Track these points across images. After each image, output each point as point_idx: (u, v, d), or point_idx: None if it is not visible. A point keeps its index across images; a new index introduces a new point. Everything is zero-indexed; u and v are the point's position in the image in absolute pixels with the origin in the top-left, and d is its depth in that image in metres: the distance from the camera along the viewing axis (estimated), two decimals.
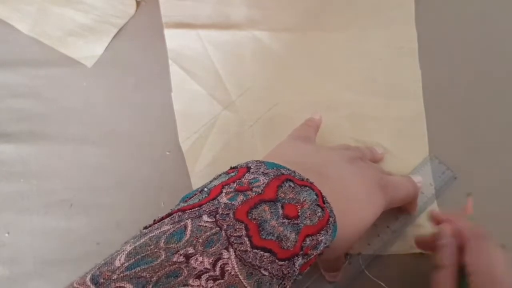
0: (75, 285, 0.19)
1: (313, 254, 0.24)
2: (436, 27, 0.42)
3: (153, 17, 0.43)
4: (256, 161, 0.26)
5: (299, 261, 0.22)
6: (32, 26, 0.43)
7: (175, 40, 0.42)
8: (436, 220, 0.32)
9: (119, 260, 0.20)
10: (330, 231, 0.24)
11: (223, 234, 0.21)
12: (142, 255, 0.20)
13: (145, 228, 0.23)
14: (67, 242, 0.38)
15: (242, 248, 0.21)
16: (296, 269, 0.22)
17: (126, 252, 0.20)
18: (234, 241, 0.21)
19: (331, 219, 0.24)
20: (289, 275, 0.22)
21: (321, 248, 0.24)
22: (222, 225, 0.21)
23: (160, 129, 0.41)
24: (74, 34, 0.43)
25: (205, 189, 0.24)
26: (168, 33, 0.42)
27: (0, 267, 0.38)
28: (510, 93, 0.41)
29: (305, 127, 0.36)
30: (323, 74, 0.42)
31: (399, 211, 0.36)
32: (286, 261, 0.22)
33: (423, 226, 0.37)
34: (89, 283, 0.18)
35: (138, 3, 0.44)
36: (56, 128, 0.41)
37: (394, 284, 0.36)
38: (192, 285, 0.19)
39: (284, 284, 0.22)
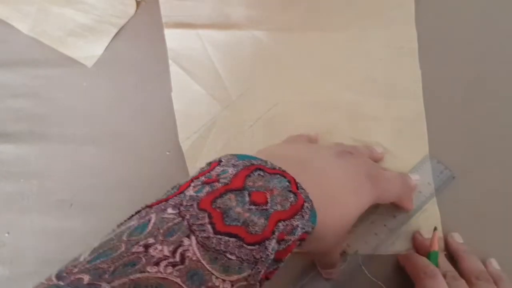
0: (43, 281, 0.20)
1: (290, 239, 0.23)
2: (436, 27, 0.42)
3: (153, 17, 0.43)
4: (230, 154, 0.26)
5: (272, 245, 0.22)
6: (32, 26, 0.43)
7: (175, 40, 0.42)
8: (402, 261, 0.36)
9: (84, 256, 0.20)
10: (307, 216, 0.24)
11: (185, 223, 0.21)
12: (104, 249, 0.20)
13: (118, 226, 0.23)
14: (67, 242, 0.38)
15: (204, 235, 0.21)
16: (269, 253, 0.22)
17: (92, 249, 0.21)
18: (196, 229, 0.21)
19: (306, 204, 0.24)
20: (262, 259, 0.22)
21: (299, 234, 0.24)
22: (185, 215, 0.21)
23: (160, 129, 0.41)
24: (74, 34, 0.43)
25: (177, 185, 0.24)
26: (168, 33, 0.42)
27: (0, 267, 0.38)
28: (510, 93, 0.41)
29: (299, 135, 0.37)
30: (323, 74, 0.42)
31: (396, 209, 0.37)
32: (257, 246, 0.22)
33: (421, 227, 0.37)
34: (53, 278, 0.19)
35: (138, 3, 0.44)
36: (56, 128, 0.41)
37: (392, 283, 0.36)
38: (149, 272, 0.19)
39: (258, 268, 0.22)
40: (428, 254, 0.35)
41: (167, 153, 0.40)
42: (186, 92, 0.41)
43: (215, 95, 0.41)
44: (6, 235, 0.39)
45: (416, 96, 0.40)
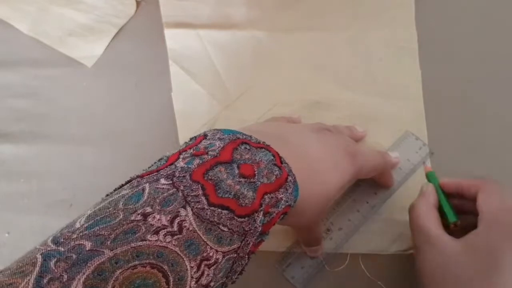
0: (37, 246, 0.19)
1: (274, 212, 0.24)
2: (436, 27, 0.42)
3: (153, 17, 0.43)
4: (214, 129, 0.27)
5: (260, 217, 0.23)
6: (32, 26, 0.43)
7: (175, 40, 0.42)
8: (446, 187, 0.33)
9: (79, 222, 0.20)
10: (291, 189, 0.25)
11: (180, 194, 0.21)
12: (101, 216, 0.20)
13: (107, 195, 0.23)
14: None
15: (199, 206, 0.21)
16: (258, 226, 0.23)
17: (86, 215, 0.21)
18: (191, 200, 0.21)
19: (290, 177, 0.25)
20: (251, 231, 0.23)
21: (283, 207, 0.24)
22: (179, 186, 0.22)
23: (160, 129, 0.41)
24: (74, 34, 0.43)
25: (164, 157, 0.25)
26: (168, 33, 0.42)
27: (0, 267, 0.38)
28: (510, 93, 0.41)
29: (280, 116, 0.38)
30: (323, 74, 0.42)
31: (377, 186, 0.37)
32: (246, 218, 0.22)
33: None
34: (50, 243, 0.19)
35: (138, 3, 0.44)
36: (56, 128, 0.41)
37: (392, 283, 0.36)
38: (150, 240, 0.19)
39: (247, 240, 0.23)
40: (426, 175, 0.35)
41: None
42: (186, 92, 0.41)
43: (215, 95, 0.41)
44: (6, 235, 0.39)
45: (416, 96, 0.40)
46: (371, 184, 0.37)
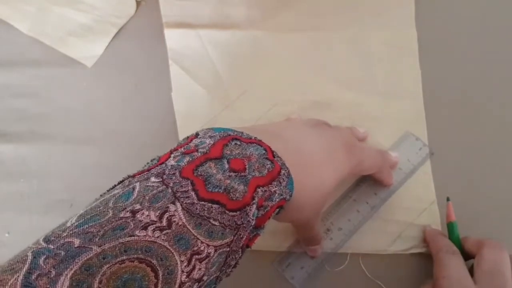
0: (30, 245, 0.20)
1: (268, 205, 0.24)
2: (436, 27, 0.42)
3: (153, 17, 0.43)
4: (206, 128, 0.27)
5: (253, 211, 0.23)
6: (32, 26, 0.43)
7: (175, 40, 0.42)
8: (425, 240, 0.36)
9: (71, 221, 0.21)
10: (284, 182, 0.25)
11: (169, 190, 0.21)
12: (91, 215, 0.21)
13: (100, 196, 0.23)
14: None
15: (189, 201, 0.21)
16: (251, 219, 0.23)
17: (78, 215, 0.21)
18: (180, 196, 0.21)
19: (283, 171, 0.25)
20: (244, 225, 0.23)
21: (277, 200, 0.24)
22: (169, 183, 0.22)
23: (160, 129, 0.41)
24: (74, 34, 0.43)
25: (156, 157, 0.25)
26: (168, 33, 0.42)
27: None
28: (510, 93, 0.41)
29: None
30: (323, 74, 0.42)
31: (377, 186, 0.37)
32: (238, 212, 0.22)
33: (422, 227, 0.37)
34: (41, 242, 0.20)
35: (138, 3, 0.44)
36: (56, 128, 0.41)
37: (392, 283, 0.36)
38: (138, 235, 0.20)
39: (240, 234, 0.23)
40: (447, 225, 0.35)
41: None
42: (186, 92, 0.41)
43: (215, 95, 0.41)
44: (6, 235, 0.39)
45: (416, 96, 0.40)
46: (371, 184, 0.37)
